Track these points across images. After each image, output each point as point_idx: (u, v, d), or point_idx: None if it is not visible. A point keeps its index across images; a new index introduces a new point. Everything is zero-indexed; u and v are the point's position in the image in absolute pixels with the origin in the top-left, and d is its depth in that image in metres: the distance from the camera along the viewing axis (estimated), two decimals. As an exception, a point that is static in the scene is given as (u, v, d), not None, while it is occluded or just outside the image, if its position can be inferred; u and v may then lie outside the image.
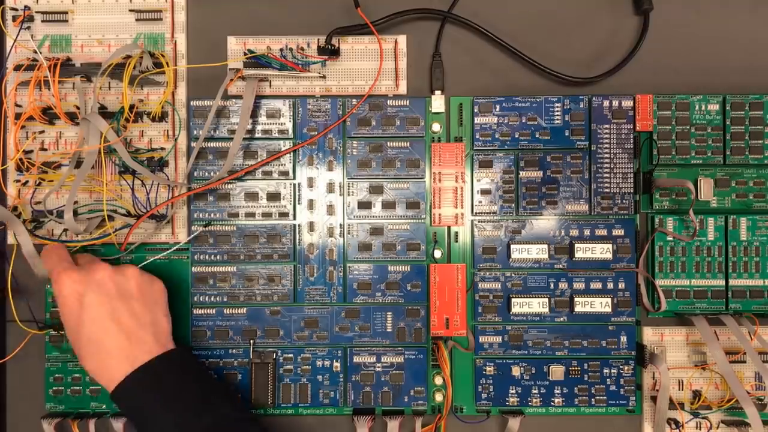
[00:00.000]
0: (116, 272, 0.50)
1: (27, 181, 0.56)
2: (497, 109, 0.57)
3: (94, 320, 0.48)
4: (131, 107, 0.56)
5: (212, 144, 0.57)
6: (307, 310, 0.57)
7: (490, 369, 0.57)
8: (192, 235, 0.56)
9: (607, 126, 0.57)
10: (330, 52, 0.56)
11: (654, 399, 0.56)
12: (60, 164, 0.56)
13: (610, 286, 0.57)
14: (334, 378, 0.57)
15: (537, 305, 0.56)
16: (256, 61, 0.57)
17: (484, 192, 0.57)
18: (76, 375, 0.56)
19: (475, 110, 0.57)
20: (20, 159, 0.56)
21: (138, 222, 0.55)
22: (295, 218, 0.57)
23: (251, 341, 0.56)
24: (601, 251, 0.56)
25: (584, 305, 0.56)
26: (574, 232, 0.57)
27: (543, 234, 0.57)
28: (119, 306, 0.49)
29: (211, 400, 0.48)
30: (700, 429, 0.57)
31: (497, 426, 0.58)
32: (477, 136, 0.57)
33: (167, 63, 0.56)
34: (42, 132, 0.57)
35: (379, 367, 0.57)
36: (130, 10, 0.57)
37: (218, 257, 0.57)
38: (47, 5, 0.57)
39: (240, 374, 0.56)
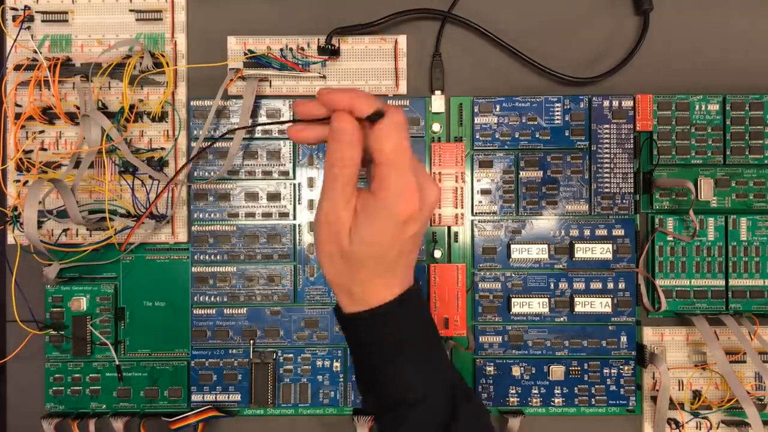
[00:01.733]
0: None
1: (27, 181, 0.56)
2: (497, 109, 0.57)
3: (412, 237, 0.40)
4: (131, 107, 0.56)
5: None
6: (307, 310, 0.57)
7: (490, 369, 0.57)
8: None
9: (607, 126, 0.57)
10: (330, 52, 0.56)
11: (654, 399, 0.56)
12: (60, 164, 0.56)
13: (610, 286, 0.57)
14: (334, 378, 0.57)
15: (537, 305, 0.56)
16: (256, 61, 0.57)
17: (484, 192, 0.57)
18: (76, 375, 0.56)
19: (475, 110, 0.57)
20: (20, 159, 0.56)
21: (139, 222, 0.55)
22: (295, 218, 0.57)
23: (251, 341, 0.56)
24: (601, 251, 0.56)
25: (584, 305, 0.56)
26: (574, 232, 0.57)
27: (543, 234, 0.57)
28: (420, 233, 0.41)
29: (443, 354, 0.43)
30: (700, 429, 0.57)
31: (497, 426, 0.58)
32: (477, 136, 0.57)
33: (167, 63, 0.56)
34: (42, 132, 0.57)
35: (379, 367, 0.57)
36: (130, 10, 0.57)
37: (218, 257, 0.57)
38: (47, 5, 0.57)
39: (240, 374, 0.56)
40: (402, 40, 0.57)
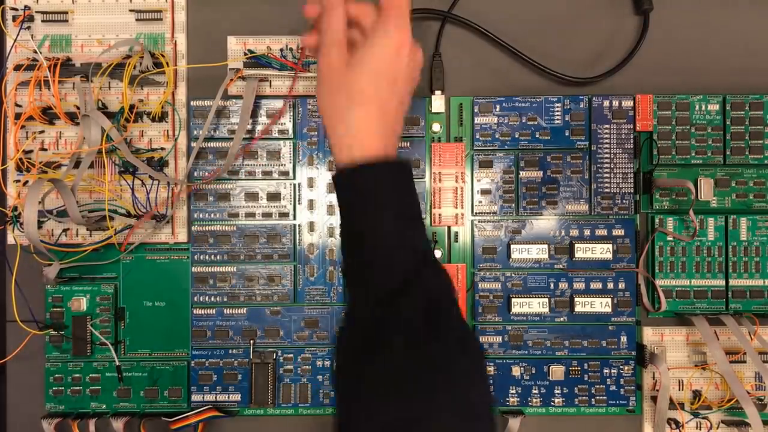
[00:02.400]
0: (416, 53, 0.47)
1: (27, 181, 0.56)
2: (497, 109, 0.57)
3: (396, 81, 0.45)
4: (131, 107, 0.56)
5: (212, 144, 0.57)
6: (307, 310, 0.57)
7: (490, 369, 0.57)
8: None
9: (607, 126, 0.57)
10: (330, 52, 0.56)
11: (654, 399, 0.56)
12: (60, 164, 0.56)
13: (610, 286, 0.57)
14: (334, 378, 0.57)
15: (537, 305, 0.56)
16: (256, 61, 0.57)
17: (484, 192, 0.57)
18: (76, 375, 0.56)
19: (475, 110, 0.57)
20: (20, 159, 0.56)
21: (139, 223, 0.55)
22: (295, 218, 0.57)
23: (251, 341, 0.56)
24: (601, 251, 0.56)
25: (584, 305, 0.56)
26: (574, 232, 0.57)
27: (543, 234, 0.57)
28: (402, 85, 0.46)
29: (420, 225, 0.45)
30: (700, 429, 0.57)
31: (497, 426, 0.58)
32: (477, 136, 0.57)
33: (167, 63, 0.56)
34: (42, 132, 0.57)
35: (379, 367, 0.56)
36: (130, 10, 0.57)
37: (218, 257, 0.57)
38: (47, 5, 0.57)
39: (240, 374, 0.56)
40: (402, 40, 0.57)
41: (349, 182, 0.44)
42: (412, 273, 0.42)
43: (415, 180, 0.45)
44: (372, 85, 0.44)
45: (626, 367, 0.56)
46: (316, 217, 0.57)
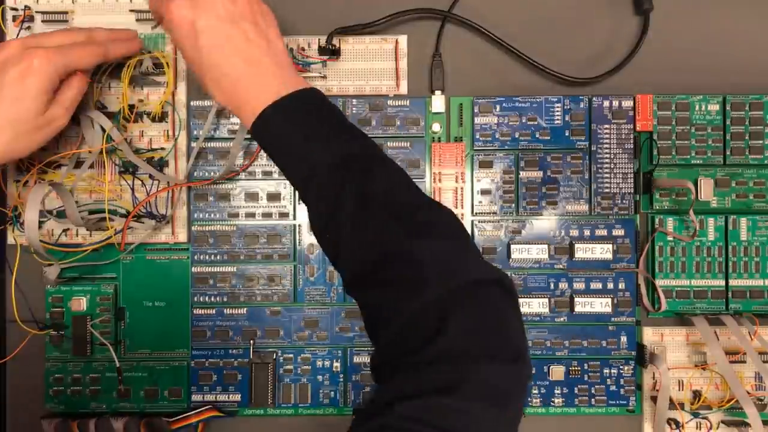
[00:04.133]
0: None
1: (27, 181, 0.56)
2: (497, 109, 0.57)
3: (212, 47, 0.46)
4: (131, 107, 0.56)
5: (212, 144, 0.57)
6: (307, 310, 0.57)
7: (490, 369, 0.57)
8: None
9: (607, 126, 0.57)
10: (330, 52, 0.56)
11: (654, 399, 0.56)
12: (60, 164, 0.56)
13: (610, 286, 0.57)
14: (334, 378, 0.57)
15: (537, 305, 0.56)
16: (256, 61, 0.56)
17: (484, 192, 0.57)
18: (76, 375, 0.56)
19: (475, 110, 0.57)
20: (20, 159, 0.56)
21: (129, 218, 0.55)
22: (295, 218, 0.57)
23: (251, 341, 0.56)
24: (601, 251, 0.56)
25: (584, 305, 0.56)
26: (574, 232, 0.57)
27: (543, 234, 0.57)
28: (234, 31, 0.46)
29: (345, 136, 0.45)
30: (700, 429, 0.57)
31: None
32: (477, 136, 0.57)
33: (167, 63, 0.56)
34: (42, 132, 0.57)
35: (379, 367, 0.56)
36: (130, 11, 0.57)
37: (218, 257, 0.57)
38: (47, 5, 0.57)
39: (240, 374, 0.56)
40: (402, 40, 0.57)
41: (256, 137, 0.47)
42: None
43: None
44: (216, 55, 0.46)
45: (626, 367, 0.56)
46: (316, 217, 0.57)
